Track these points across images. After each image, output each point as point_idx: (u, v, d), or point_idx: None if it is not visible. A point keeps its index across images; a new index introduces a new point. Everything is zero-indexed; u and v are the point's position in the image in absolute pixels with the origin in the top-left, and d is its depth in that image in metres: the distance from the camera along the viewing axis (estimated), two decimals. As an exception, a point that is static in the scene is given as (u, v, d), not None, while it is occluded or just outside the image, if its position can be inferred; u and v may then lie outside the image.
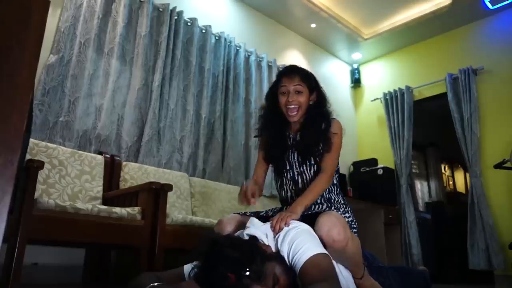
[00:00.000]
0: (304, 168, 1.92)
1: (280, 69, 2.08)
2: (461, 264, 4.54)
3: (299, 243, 1.37)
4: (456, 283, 4.42)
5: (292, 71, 1.97)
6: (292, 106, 1.89)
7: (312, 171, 1.91)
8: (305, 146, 1.90)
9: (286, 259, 1.39)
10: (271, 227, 1.52)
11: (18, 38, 0.91)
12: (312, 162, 1.91)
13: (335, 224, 1.55)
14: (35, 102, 2.82)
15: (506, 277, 3.98)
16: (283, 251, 1.41)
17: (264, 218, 1.83)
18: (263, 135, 2.07)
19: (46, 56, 2.97)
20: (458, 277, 4.99)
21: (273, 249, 1.45)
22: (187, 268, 1.51)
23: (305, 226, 1.49)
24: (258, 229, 1.52)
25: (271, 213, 1.94)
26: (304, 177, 1.93)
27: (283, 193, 2.00)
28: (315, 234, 1.49)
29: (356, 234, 1.83)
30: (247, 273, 1.20)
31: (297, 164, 1.94)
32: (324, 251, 1.37)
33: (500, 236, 4.17)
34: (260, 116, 2.11)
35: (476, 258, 4.23)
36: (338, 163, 1.96)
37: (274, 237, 1.48)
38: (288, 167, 1.96)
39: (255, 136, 2.18)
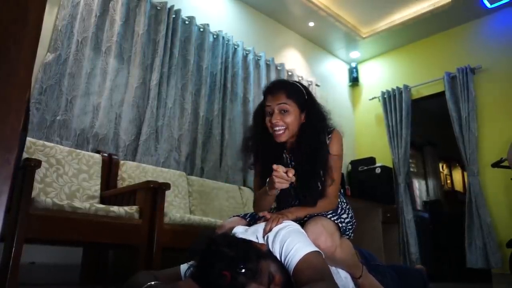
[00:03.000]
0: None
1: (267, 86, 1.86)
2: (459, 263, 4.55)
3: (290, 242, 1.36)
4: (454, 282, 4.43)
5: (276, 87, 1.77)
6: (277, 128, 1.71)
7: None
8: (307, 184, 1.72)
9: (278, 255, 1.39)
10: (263, 232, 1.51)
11: (15, 38, 0.90)
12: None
13: (321, 232, 1.54)
14: (32, 101, 2.81)
15: (503, 276, 4.00)
16: (274, 251, 1.41)
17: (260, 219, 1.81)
18: (257, 163, 1.88)
19: (43, 54, 2.96)
20: (456, 276, 5.00)
21: None
22: (183, 267, 1.51)
23: (295, 226, 1.49)
24: (245, 234, 1.52)
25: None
26: None
27: (285, 204, 1.91)
28: (305, 233, 1.48)
29: (352, 234, 1.82)
30: (243, 271, 1.20)
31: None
32: (316, 249, 1.37)
33: (497, 234, 4.18)
34: (248, 138, 1.90)
35: (474, 256, 4.24)
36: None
37: (263, 237, 1.49)
38: (293, 193, 1.83)
39: (250, 166, 1.95)
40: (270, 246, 1.43)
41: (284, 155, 1.84)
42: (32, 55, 1.00)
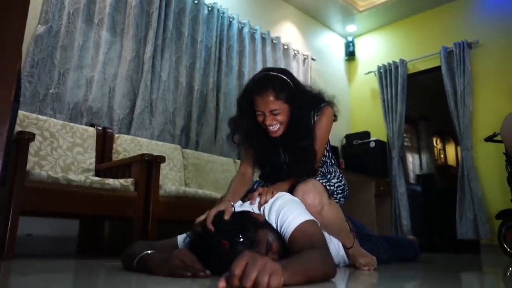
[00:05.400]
0: None
1: (249, 82, 1.81)
2: (449, 234, 4.64)
3: (286, 212, 1.39)
4: (444, 252, 4.54)
5: (263, 88, 1.68)
6: (271, 127, 1.72)
7: None
8: (297, 163, 1.77)
9: (274, 225, 1.42)
10: (252, 201, 1.55)
11: (4, 9, 0.89)
12: None
13: (309, 189, 1.66)
14: (24, 74, 2.78)
15: (491, 246, 4.10)
16: (271, 221, 1.44)
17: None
18: (247, 148, 1.90)
19: (34, 26, 2.90)
20: (446, 247, 5.12)
21: None
22: (180, 238, 1.54)
23: (289, 196, 1.53)
24: (242, 207, 1.55)
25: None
26: None
27: (272, 178, 1.93)
28: (301, 202, 1.51)
29: (342, 200, 1.87)
30: (241, 240, 1.24)
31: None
32: (312, 217, 1.40)
33: (488, 207, 4.26)
34: (233, 123, 1.85)
35: (464, 228, 4.33)
36: (328, 142, 1.94)
37: (259, 209, 1.52)
38: (282, 165, 1.89)
39: (240, 152, 2.00)
40: (266, 217, 1.46)
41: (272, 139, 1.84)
42: (21, 26, 0.98)
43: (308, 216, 1.39)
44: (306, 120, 1.78)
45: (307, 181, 1.70)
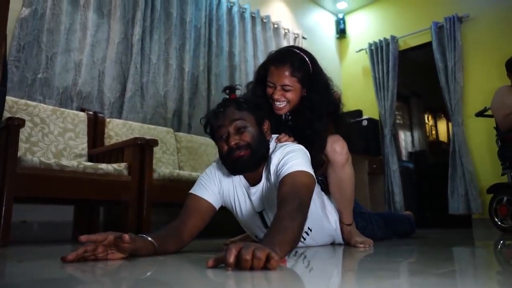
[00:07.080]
0: None
1: (271, 53, 1.84)
2: (441, 210, 4.71)
3: (292, 156, 1.42)
4: (436, 228, 4.61)
5: (281, 61, 1.69)
6: (278, 103, 1.72)
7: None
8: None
9: (274, 166, 1.47)
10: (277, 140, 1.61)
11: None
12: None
13: (339, 139, 1.76)
14: (11, 59, 2.72)
15: (482, 220, 4.17)
16: (273, 156, 1.48)
17: None
18: None
19: (18, 9, 2.83)
20: (438, 222, 5.19)
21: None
22: None
23: (303, 149, 1.51)
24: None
25: None
26: None
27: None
28: (309, 157, 1.49)
29: None
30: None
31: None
32: (312, 172, 1.39)
33: (479, 181, 4.32)
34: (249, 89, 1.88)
35: (456, 203, 4.39)
36: None
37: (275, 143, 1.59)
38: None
39: None
40: (271, 151, 1.53)
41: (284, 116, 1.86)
42: (4, 8, 0.96)
43: (309, 169, 1.39)
44: (322, 106, 1.74)
45: (335, 135, 1.78)
